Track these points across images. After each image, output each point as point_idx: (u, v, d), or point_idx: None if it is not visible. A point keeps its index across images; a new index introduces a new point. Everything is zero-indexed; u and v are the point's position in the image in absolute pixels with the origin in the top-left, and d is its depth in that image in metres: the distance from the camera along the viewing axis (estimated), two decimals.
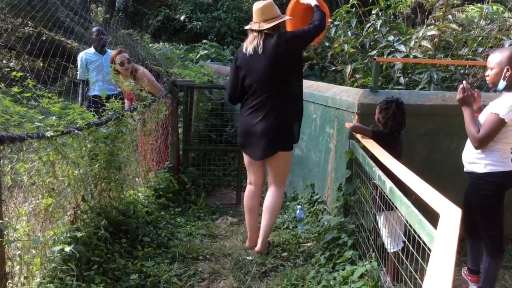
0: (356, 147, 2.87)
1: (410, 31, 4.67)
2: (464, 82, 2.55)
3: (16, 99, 2.34)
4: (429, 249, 1.48)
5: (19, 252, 2.14)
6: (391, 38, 4.43)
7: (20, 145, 2.04)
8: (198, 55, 9.39)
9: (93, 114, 2.81)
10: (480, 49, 4.36)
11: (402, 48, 4.20)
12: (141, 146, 4.16)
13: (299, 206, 3.74)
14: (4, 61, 9.79)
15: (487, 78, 2.54)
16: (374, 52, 4.40)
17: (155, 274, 2.77)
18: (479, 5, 5.26)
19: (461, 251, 2.96)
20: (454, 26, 4.24)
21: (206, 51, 9.68)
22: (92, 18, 11.68)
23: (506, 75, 2.40)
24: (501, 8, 5.34)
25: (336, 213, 3.18)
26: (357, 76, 4.44)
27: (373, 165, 2.35)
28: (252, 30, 3.00)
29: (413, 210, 1.71)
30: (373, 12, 4.85)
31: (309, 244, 3.33)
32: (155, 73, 5.43)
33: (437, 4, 4.49)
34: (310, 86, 4.04)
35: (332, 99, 3.55)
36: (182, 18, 14.32)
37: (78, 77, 5.03)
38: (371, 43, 4.69)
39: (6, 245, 1.99)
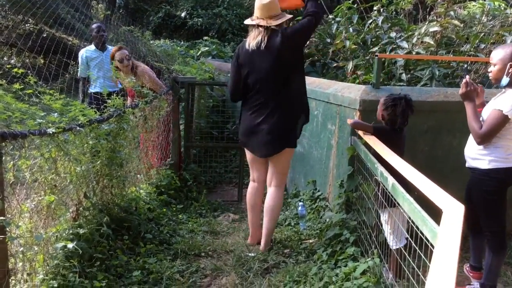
0: (358, 144, 2.86)
1: (412, 28, 4.66)
2: (467, 76, 2.55)
3: (18, 96, 2.35)
4: (432, 245, 1.47)
5: (21, 249, 2.14)
6: (393, 34, 4.41)
7: (22, 141, 2.04)
8: (199, 52, 9.37)
9: (94, 111, 2.81)
10: (482, 46, 4.34)
11: (404, 44, 4.19)
12: (142, 143, 4.16)
13: (301, 203, 3.74)
14: (5, 58, 9.79)
15: (490, 75, 2.53)
16: (376, 48, 4.39)
17: (157, 271, 2.78)
18: (481, 1, 5.24)
19: (463, 248, 2.96)
20: (456, 22, 4.22)
21: (207, 48, 9.66)
22: (92, 15, 11.66)
23: (509, 71, 2.40)
24: (503, 4, 5.30)
25: (338, 209, 3.18)
26: (359, 72, 4.43)
27: (375, 161, 2.34)
28: (259, 26, 2.94)
29: (416, 207, 1.70)
30: (375, 8, 4.83)
31: (311, 241, 3.33)
32: (156, 69, 5.43)
33: (439, 0, 4.47)
34: (311, 83, 4.03)
35: (333, 95, 3.55)
36: (183, 14, 14.31)
37: (78, 75, 5.04)
38: (373, 40, 4.68)
39: (9, 242, 2.00)
